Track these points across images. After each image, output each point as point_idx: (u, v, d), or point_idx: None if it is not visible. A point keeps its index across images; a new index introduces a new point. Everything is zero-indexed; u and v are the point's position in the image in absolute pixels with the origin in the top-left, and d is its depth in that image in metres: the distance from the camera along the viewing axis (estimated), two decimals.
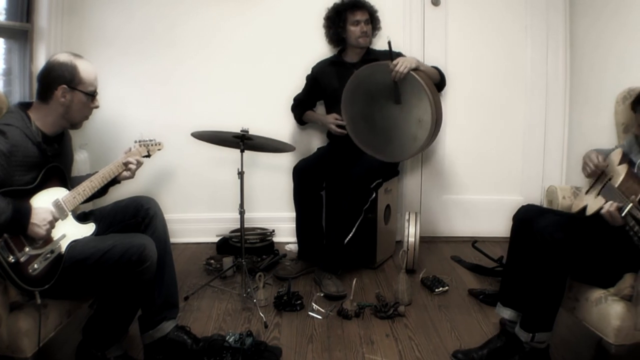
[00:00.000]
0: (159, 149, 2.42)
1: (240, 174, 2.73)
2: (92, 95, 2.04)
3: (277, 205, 3.65)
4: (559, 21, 3.56)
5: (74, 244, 1.94)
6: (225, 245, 3.45)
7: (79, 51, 2.08)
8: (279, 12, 3.56)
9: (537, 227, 2.03)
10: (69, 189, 2.03)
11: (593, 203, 2.02)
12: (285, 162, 3.54)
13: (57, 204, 1.94)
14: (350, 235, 2.96)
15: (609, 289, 1.97)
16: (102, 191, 2.19)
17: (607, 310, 1.92)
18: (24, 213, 1.78)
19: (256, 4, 3.54)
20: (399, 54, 2.94)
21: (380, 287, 2.97)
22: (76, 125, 2.08)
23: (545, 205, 2.56)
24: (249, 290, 2.75)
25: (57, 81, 1.95)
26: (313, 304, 2.73)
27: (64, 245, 1.92)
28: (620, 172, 1.92)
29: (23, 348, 1.83)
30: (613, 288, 1.96)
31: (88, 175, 2.14)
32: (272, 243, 3.49)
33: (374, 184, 3.02)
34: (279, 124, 3.50)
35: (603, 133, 2.81)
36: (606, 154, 2.18)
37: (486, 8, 3.58)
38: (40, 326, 1.84)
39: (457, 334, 2.45)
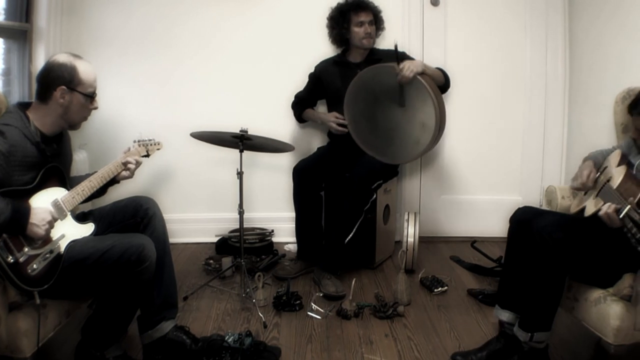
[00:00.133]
0: (158, 149, 2.42)
1: (240, 174, 2.73)
2: (91, 97, 2.04)
3: (276, 205, 3.66)
4: (558, 21, 3.56)
5: (73, 244, 1.94)
6: (225, 245, 3.45)
7: (78, 51, 2.08)
8: (279, 13, 3.56)
9: (537, 226, 2.03)
10: (68, 189, 2.03)
11: (591, 204, 2.02)
12: (284, 162, 3.54)
13: (56, 204, 1.94)
14: (351, 235, 2.96)
15: (608, 289, 1.97)
16: (101, 191, 2.19)
17: (607, 310, 1.92)
18: (23, 213, 1.78)
19: (256, 4, 3.54)
20: (403, 55, 2.93)
21: (380, 287, 2.97)
22: (75, 126, 2.09)
23: (544, 206, 2.57)
24: (248, 290, 2.75)
25: (56, 82, 1.95)
26: (312, 304, 2.73)
27: (63, 245, 1.92)
28: (618, 174, 1.92)
29: (22, 348, 1.83)
30: (612, 288, 1.97)
31: (87, 175, 2.14)
32: (271, 243, 3.49)
33: (375, 184, 3.02)
34: (278, 124, 3.50)
35: (602, 133, 2.82)
36: (605, 154, 2.18)
37: (485, 8, 3.58)
38: (40, 326, 1.84)
39: (456, 334, 2.45)
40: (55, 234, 1.90)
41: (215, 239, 3.56)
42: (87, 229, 2.05)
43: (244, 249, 2.82)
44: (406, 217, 3.19)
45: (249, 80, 3.60)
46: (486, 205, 3.74)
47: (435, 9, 3.58)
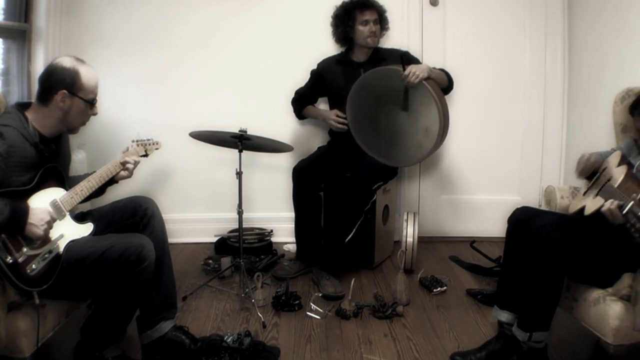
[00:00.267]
0: (156, 149, 2.42)
1: (239, 174, 2.73)
2: (91, 103, 2.04)
3: (275, 205, 3.65)
4: (557, 21, 3.57)
5: (72, 244, 1.94)
6: (224, 245, 3.45)
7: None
8: (279, 13, 3.56)
9: (535, 226, 2.03)
10: (67, 189, 2.03)
11: (591, 203, 2.02)
12: (283, 162, 3.54)
13: (54, 204, 1.94)
14: (350, 236, 2.95)
15: (608, 289, 1.97)
16: (100, 191, 2.19)
17: (606, 310, 1.92)
18: (21, 214, 1.78)
19: (256, 4, 3.54)
20: (408, 55, 2.93)
21: (379, 287, 2.97)
22: (73, 130, 2.09)
23: (543, 206, 2.57)
24: (247, 290, 2.75)
25: (58, 85, 1.95)
26: (311, 304, 2.72)
27: (62, 245, 1.92)
28: (619, 173, 1.92)
29: (21, 348, 1.82)
30: (611, 288, 1.97)
31: (86, 175, 2.14)
32: (271, 243, 3.49)
33: (375, 186, 3.02)
34: (277, 124, 3.49)
35: (601, 133, 2.82)
36: (604, 156, 2.18)
37: (484, 8, 3.59)
38: (39, 326, 1.84)
39: (455, 334, 2.45)
40: (54, 234, 1.90)
41: (214, 239, 3.56)
42: (86, 229, 2.05)
43: (243, 249, 2.82)
44: (405, 217, 3.20)
45: (248, 80, 3.59)
46: (485, 205, 3.74)
47: (435, 9, 3.58)
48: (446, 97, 2.92)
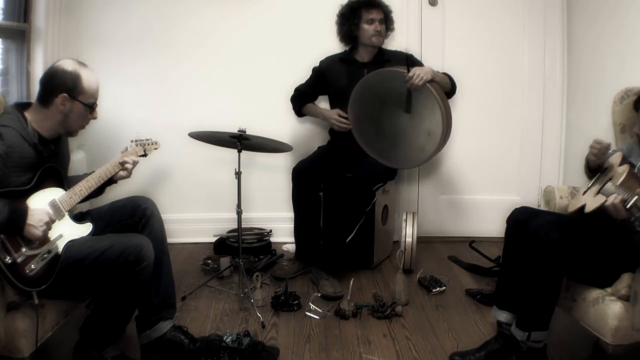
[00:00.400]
0: (155, 148, 2.41)
1: (238, 174, 2.73)
2: (91, 107, 2.04)
3: (274, 205, 3.65)
4: (556, 21, 3.57)
5: (71, 244, 1.94)
6: (223, 245, 3.45)
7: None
8: (278, 13, 3.56)
9: (533, 226, 2.03)
10: (66, 189, 2.02)
11: (592, 201, 2.01)
12: (282, 162, 3.54)
13: (53, 205, 1.94)
14: (351, 236, 2.95)
15: (606, 289, 1.97)
16: (99, 191, 2.19)
17: (605, 310, 1.92)
18: (20, 214, 1.78)
19: (255, 3, 3.54)
20: (412, 57, 2.93)
21: (378, 287, 2.97)
22: (72, 133, 2.09)
23: (542, 206, 2.57)
24: (246, 290, 2.75)
25: (59, 88, 1.94)
26: (310, 304, 2.72)
27: (61, 245, 1.91)
28: (621, 171, 1.92)
29: (20, 348, 1.82)
30: (610, 288, 1.97)
31: (85, 175, 2.14)
32: (270, 243, 3.49)
33: (376, 186, 3.02)
34: (277, 124, 3.49)
35: (601, 133, 2.79)
36: (605, 156, 2.18)
37: (483, 8, 3.59)
38: (38, 326, 1.84)
39: (455, 334, 2.45)
40: (53, 234, 1.89)
41: (213, 239, 3.55)
42: (85, 229, 2.05)
43: (242, 249, 2.82)
44: (404, 217, 3.20)
45: (248, 80, 3.59)
46: (484, 205, 3.74)
47: (434, 9, 3.58)
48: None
